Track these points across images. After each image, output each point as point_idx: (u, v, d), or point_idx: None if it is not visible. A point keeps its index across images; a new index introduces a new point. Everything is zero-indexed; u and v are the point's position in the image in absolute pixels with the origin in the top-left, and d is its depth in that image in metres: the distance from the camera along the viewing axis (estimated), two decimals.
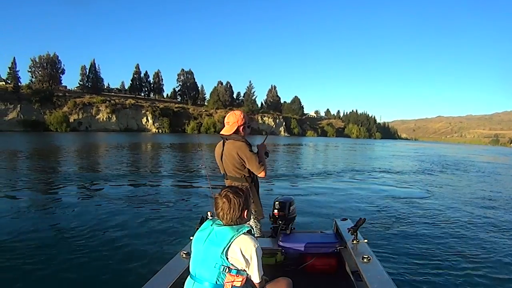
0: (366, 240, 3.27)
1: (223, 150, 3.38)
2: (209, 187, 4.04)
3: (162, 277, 2.52)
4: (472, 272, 4.82)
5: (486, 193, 12.53)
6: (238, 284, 2.01)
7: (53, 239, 5.74)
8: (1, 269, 4.50)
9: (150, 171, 16.13)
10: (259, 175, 3.34)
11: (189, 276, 2.14)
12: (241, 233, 2.02)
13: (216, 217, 2.16)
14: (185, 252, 2.87)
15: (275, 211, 3.73)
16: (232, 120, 3.35)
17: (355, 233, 3.27)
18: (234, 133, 3.34)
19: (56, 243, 5.53)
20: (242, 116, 3.39)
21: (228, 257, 1.97)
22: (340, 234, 3.58)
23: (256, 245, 2.02)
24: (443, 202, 10.23)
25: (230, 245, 1.98)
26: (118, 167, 16.59)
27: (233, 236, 1.99)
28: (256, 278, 2.06)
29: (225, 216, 2.06)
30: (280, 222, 3.71)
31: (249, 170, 3.33)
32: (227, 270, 1.97)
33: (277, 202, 3.75)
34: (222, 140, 3.43)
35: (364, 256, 2.85)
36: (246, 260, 2.00)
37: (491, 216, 8.51)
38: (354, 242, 3.22)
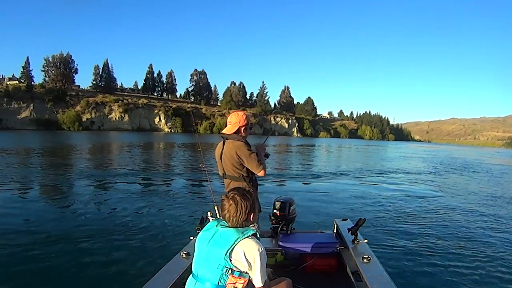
0: (366, 240, 3.26)
1: (222, 149, 3.41)
2: (209, 187, 4.11)
3: (163, 277, 2.50)
4: (473, 272, 4.80)
5: (491, 195, 12.39)
6: (240, 286, 1.99)
7: (54, 237, 5.81)
8: (23, 251, 5.04)
9: (155, 170, 16.43)
10: (258, 174, 3.33)
11: (191, 275, 2.13)
12: (246, 236, 2.01)
13: (221, 218, 2.16)
14: (185, 252, 2.84)
15: (275, 211, 3.70)
16: (234, 120, 3.38)
17: (355, 233, 3.28)
18: (235, 133, 3.35)
19: (61, 239, 5.65)
20: (244, 117, 3.40)
21: (231, 259, 1.97)
22: (340, 234, 3.54)
23: (261, 250, 2.00)
24: (446, 202, 10.20)
25: (234, 247, 1.97)
26: (126, 166, 16.91)
27: (237, 239, 1.98)
28: (258, 283, 2.01)
29: (231, 218, 2.06)
30: (280, 222, 3.68)
31: (247, 169, 3.33)
32: (229, 271, 1.97)
33: (277, 202, 3.71)
34: (223, 140, 3.45)
35: (364, 256, 2.84)
36: (249, 264, 1.98)
37: (495, 216, 8.42)
38: (354, 242, 3.22)
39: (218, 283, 1.97)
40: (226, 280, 1.97)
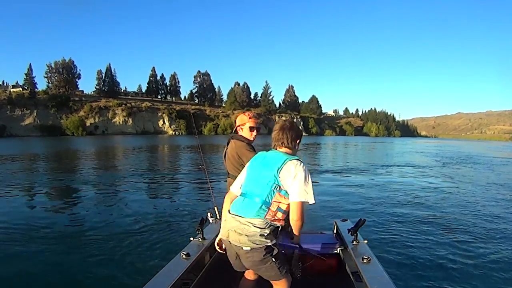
0: (366, 241, 3.29)
1: (227, 149, 3.50)
2: (209, 188, 4.21)
3: (162, 278, 2.53)
4: (474, 272, 4.75)
5: (497, 193, 11.69)
6: (284, 207, 2.17)
7: (58, 236, 5.93)
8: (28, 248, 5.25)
9: (156, 172, 16.37)
10: None
11: (236, 197, 2.34)
12: (293, 158, 2.22)
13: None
14: (185, 252, 2.84)
15: None
16: (238, 121, 3.52)
17: (355, 234, 3.30)
18: (237, 132, 3.48)
19: (61, 240, 5.72)
20: (244, 117, 3.48)
21: (280, 176, 2.14)
22: (340, 235, 3.58)
23: (305, 168, 2.19)
24: (449, 202, 9.82)
25: (283, 166, 2.16)
26: (128, 169, 17.02)
27: (286, 159, 2.19)
28: (294, 196, 2.13)
29: (279, 139, 2.33)
30: None
31: None
32: (277, 188, 2.14)
33: None
34: (228, 140, 3.58)
35: (364, 257, 2.86)
36: (293, 179, 2.14)
37: (500, 217, 8.08)
38: (354, 243, 3.25)
39: (266, 199, 2.13)
40: (272, 197, 2.13)
